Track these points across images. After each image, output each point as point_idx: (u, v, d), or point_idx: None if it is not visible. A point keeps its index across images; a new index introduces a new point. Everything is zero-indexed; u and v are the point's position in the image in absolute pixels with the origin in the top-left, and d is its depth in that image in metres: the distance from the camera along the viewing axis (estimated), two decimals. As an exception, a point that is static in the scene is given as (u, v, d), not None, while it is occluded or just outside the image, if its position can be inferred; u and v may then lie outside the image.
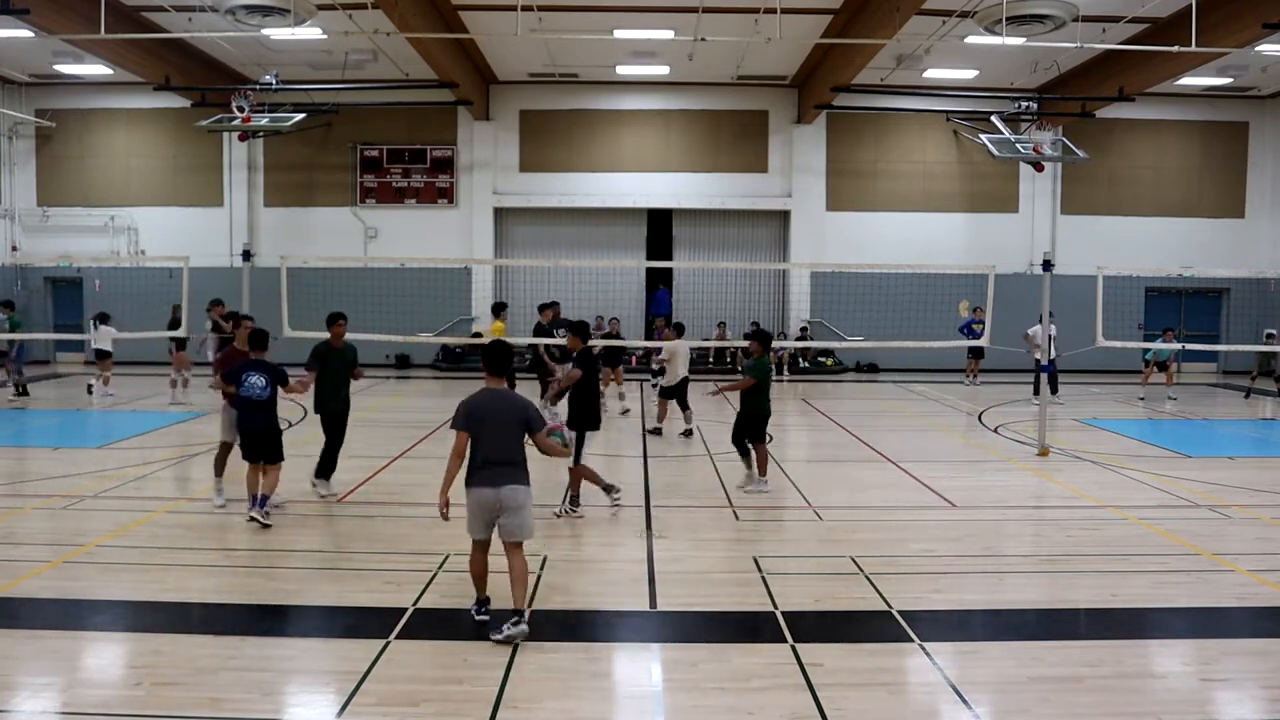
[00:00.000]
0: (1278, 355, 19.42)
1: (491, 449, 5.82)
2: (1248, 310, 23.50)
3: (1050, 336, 15.48)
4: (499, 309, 15.64)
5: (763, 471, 9.99)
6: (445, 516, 5.85)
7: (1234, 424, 16.07)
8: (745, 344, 22.49)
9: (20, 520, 8.51)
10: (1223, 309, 24.65)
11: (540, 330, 14.42)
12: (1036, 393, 15.55)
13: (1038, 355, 15.82)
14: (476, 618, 5.98)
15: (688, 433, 13.51)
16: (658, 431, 13.55)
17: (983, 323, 18.88)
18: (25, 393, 17.45)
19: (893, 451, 12.36)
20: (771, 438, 13.27)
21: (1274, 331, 19.60)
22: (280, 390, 8.60)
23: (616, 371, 16.09)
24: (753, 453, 9.96)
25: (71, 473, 10.47)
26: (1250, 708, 5.09)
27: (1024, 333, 17.65)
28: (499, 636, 5.65)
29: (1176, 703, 5.05)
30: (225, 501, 8.92)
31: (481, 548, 5.98)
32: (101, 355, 17.59)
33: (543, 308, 14.78)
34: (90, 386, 17.92)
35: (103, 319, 17.72)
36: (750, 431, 9.99)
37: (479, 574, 6.01)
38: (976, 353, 20.68)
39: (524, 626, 5.67)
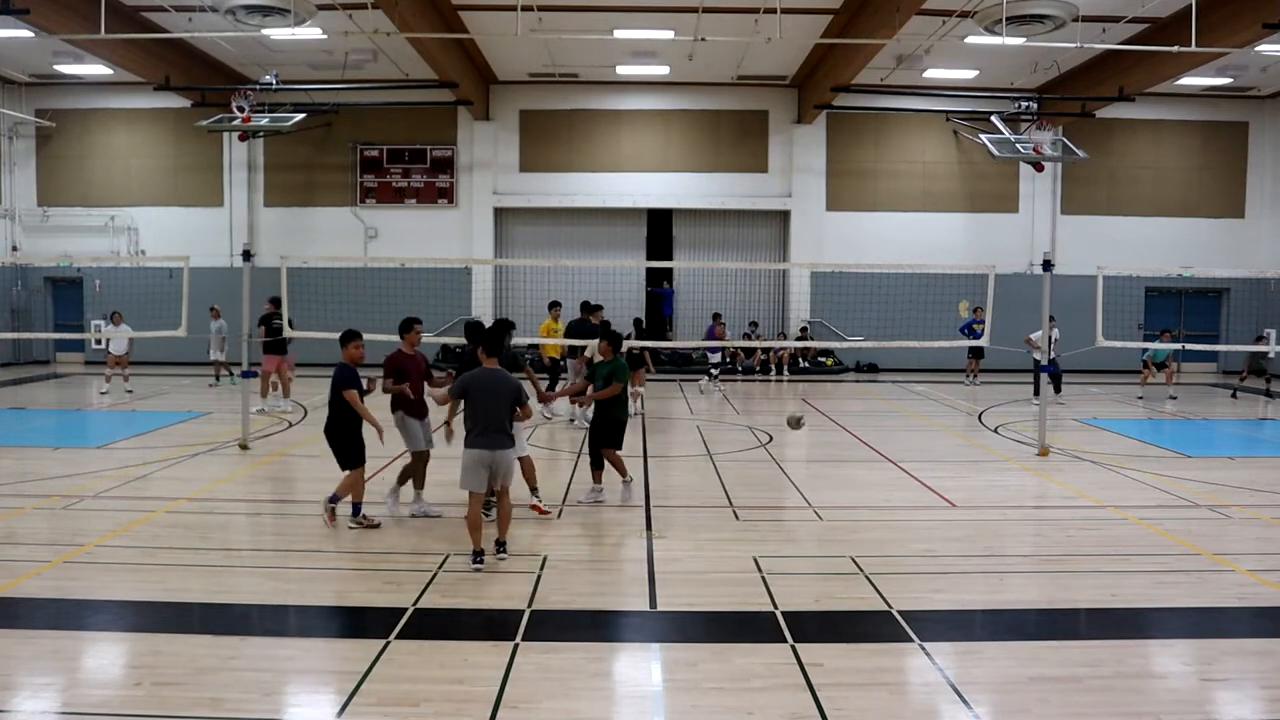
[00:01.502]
0: (1268, 355, 19.48)
1: (486, 419, 7.07)
2: (1248, 310, 23.50)
3: (1052, 338, 15.35)
4: (553, 306, 15.61)
5: (623, 472, 9.31)
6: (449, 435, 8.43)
7: (1234, 424, 16.07)
8: (745, 344, 22.80)
9: (20, 520, 8.51)
10: (1223, 309, 24.66)
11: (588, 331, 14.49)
12: (1037, 393, 15.43)
13: (1038, 355, 15.74)
14: (472, 565, 7.01)
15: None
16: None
17: (983, 322, 18.88)
18: None
19: (893, 451, 12.36)
20: (771, 437, 13.30)
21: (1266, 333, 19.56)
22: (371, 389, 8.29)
23: (637, 374, 15.94)
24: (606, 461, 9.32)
25: (72, 473, 10.46)
26: (1250, 708, 5.08)
27: (1025, 337, 17.11)
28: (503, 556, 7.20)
29: (1176, 703, 5.05)
30: (440, 512, 8.56)
31: (477, 501, 7.15)
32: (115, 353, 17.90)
33: (593, 309, 14.94)
34: (105, 385, 18.16)
35: (114, 317, 18.07)
36: (607, 438, 9.25)
37: (474, 525, 7.12)
38: (977, 352, 20.68)
39: (505, 556, 7.20)
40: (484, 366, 7.25)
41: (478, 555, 7.06)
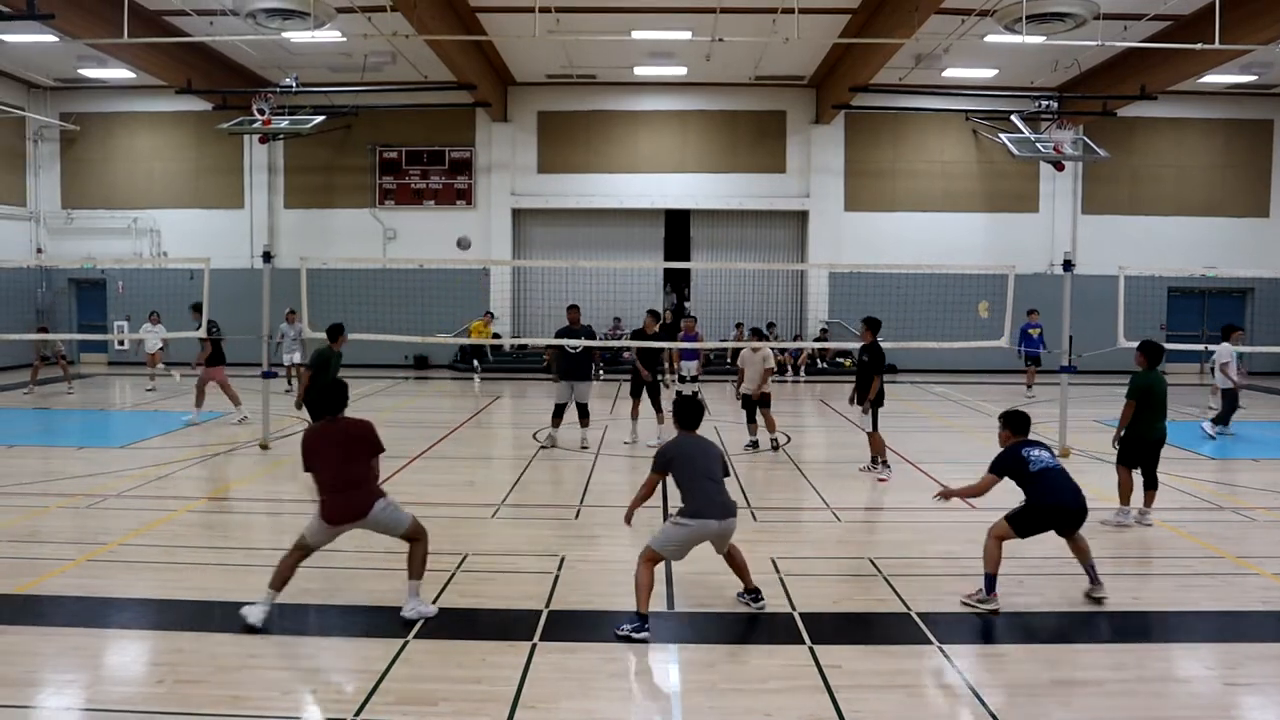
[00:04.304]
0: None
1: (707, 483, 6.12)
2: (1273, 311, 23.23)
3: (1233, 362, 13.67)
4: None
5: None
6: None
7: (1257, 426, 15.87)
8: (719, 345, 22.70)
9: (44, 519, 8.61)
10: (1247, 309, 24.37)
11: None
12: (1224, 421, 13.87)
13: (1232, 382, 13.79)
14: (636, 634, 5.81)
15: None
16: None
17: (1039, 326, 18.62)
18: None
19: (912, 453, 12.29)
20: (789, 438, 13.26)
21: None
22: None
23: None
24: None
25: (95, 472, 10.58)
26: (1275, 713, 5.03)
27: (1221, 364, 14.04)
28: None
29: (1200, 707, 5.00)
30: None
31: (654, 562, 6.10)
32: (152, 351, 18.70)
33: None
34: (151, 382, 19.00)
35: (152, 317, 18.45)
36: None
37: (647, 584, 5.95)
38: (1034, 359, 19.45)
39: (763, 603, 6.40)
40: (685, 435, 6.31)
41: (643, 621, 5.83)
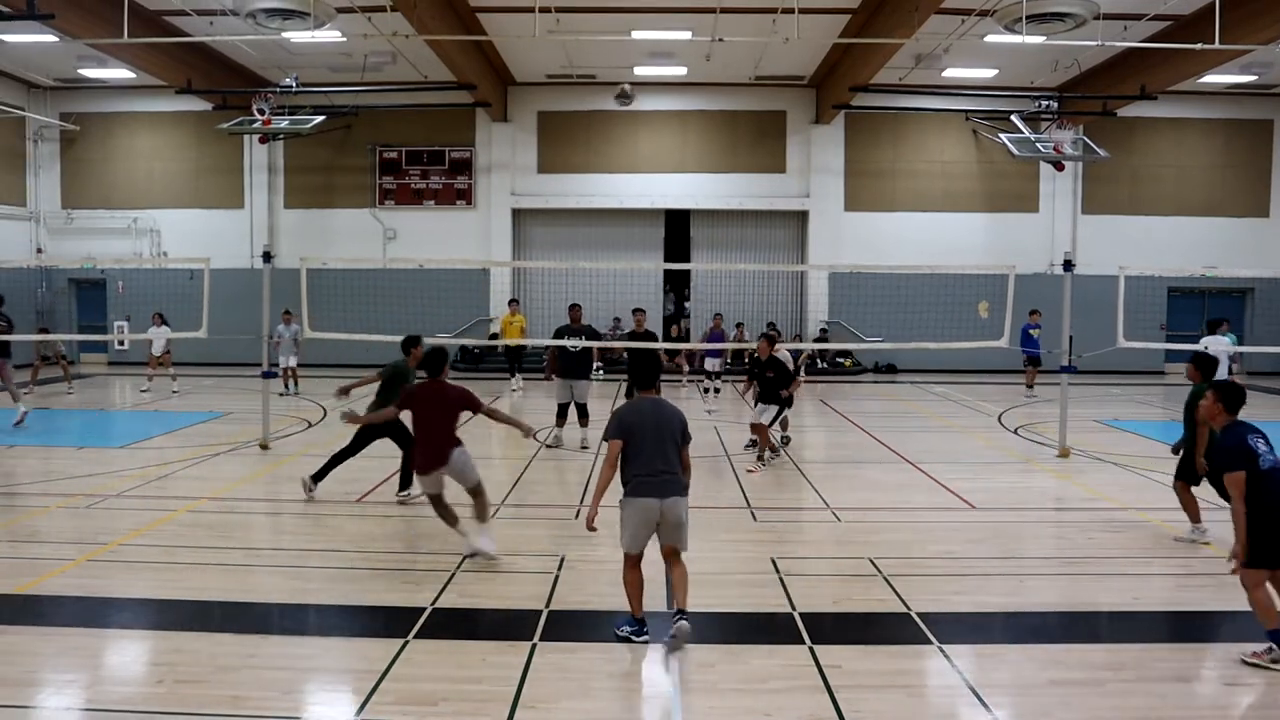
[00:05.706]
0: None
1: (652, 459, 5.80)
2: (1272, 310, 23.22)
3: (1229, 355, 13.83)
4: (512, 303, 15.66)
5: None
6: None
7: (1259, 426, 15.87)
8: (742, 345, 22.71)
9: (44, 519, 8.61)
10: (1247, 309, 24.37)
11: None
12: None
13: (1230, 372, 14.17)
14: (635, 638, 5.77)
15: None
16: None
17: (1039, 326, 18.59)
18: None
19: (911, 453, 12.29)
20: (790, 439, 13.27)
21: None
22: None
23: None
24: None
25: (95, 472, 10.58)
26: (1275, 713, 5.02)
27: (1229, 355, 14.36)
28: None
29: (1200, 708, 5.00)
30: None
31: (636, 560, 5.91)
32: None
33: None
34: (147, 384, 18.80)
35: (155, 318, 18.35)
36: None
37: (634, 587, 5.86)
38: (1035, 359, 19.04)
39: (688, 625, 5.69)
40: (642, 397, 5.98)
41: (640, 625, 5.78)
